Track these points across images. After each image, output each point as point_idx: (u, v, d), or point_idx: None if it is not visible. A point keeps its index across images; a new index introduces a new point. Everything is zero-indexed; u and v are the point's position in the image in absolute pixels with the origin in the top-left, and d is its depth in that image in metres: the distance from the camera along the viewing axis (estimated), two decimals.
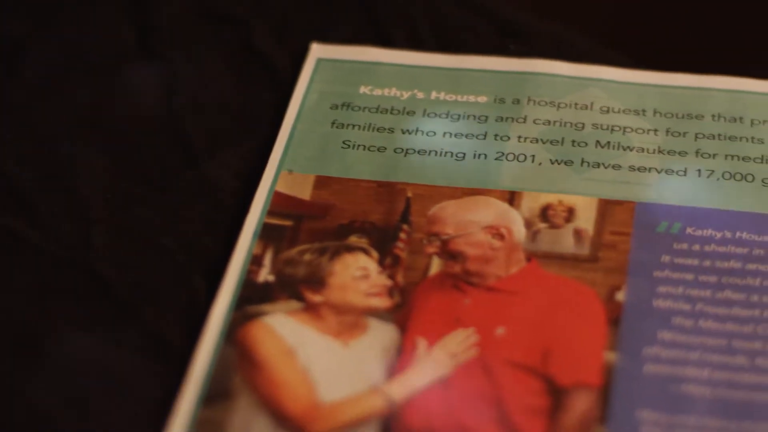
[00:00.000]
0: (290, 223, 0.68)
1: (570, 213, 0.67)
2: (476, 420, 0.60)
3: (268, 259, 0.66)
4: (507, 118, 0.72)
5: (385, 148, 0.71)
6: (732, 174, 0.68)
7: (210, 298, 0.64)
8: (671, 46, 0.80)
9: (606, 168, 0.69)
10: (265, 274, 0.65)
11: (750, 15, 0.83)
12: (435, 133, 0.71)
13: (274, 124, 0.72)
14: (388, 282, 0.65)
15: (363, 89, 0.74)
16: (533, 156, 0.70)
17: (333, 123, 0.72)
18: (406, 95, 0.73)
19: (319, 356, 0.62)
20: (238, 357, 0.62)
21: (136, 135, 0.73)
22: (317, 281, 0.64)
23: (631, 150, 0.70)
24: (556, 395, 0.61)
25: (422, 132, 0.71)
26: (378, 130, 0.72)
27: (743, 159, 0.69)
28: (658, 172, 0.68)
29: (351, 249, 0.66)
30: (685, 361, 0.61)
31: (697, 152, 0.69)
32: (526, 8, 0.80)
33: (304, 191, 0.69)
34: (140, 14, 0.79)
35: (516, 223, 0.66)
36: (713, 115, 0.71)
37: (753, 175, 0.68)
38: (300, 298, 0.64)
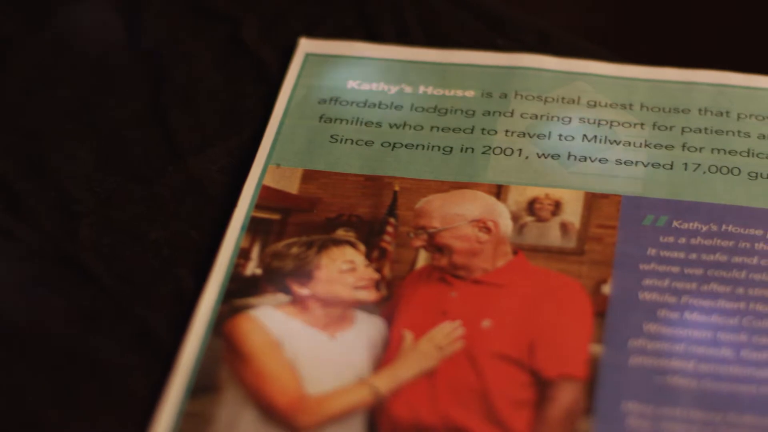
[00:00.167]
0: (278, 216, 0.68)
1: (556, 206, 0.67)
2: (462, 412, 0.60)
3: (255, 253, 0.66)
4: (494, 112, 0.72)
5: (373, 142, 0.71)
6: (718, 167, 0.68)
7: (197, 291, 0.64)
8: (658, 40, 0.80)
9: (593, 161, 0.69)
10: (252, 268, 0.65)
11: (737, 10, 0.83)
12: (422, 128, 0.71)
13: (262, 119, 0.72)
14: (375, 275, 0.65)
15: (351, 84, 0.74)
16: (520, 150, 0.70)
17: (321, 117, 0.72)
18: (393, 89, 0.73)
19: (306, 349, 0.62)
20: (226, 350, 0.62)
21: (123, 129, 0.73)
22: (304, 274, 0.65)
23: (617, 144, 0.70)
24: (542, 388, 0.61)
25: (410, 126, 0.71)
26: (366, 124, 0.72)
27: (729, 152, 0.69)
28: (645, 166, 0.69)
29: (338, 242, 0.66)
30: (670, 353, 0.61)
31: (683, 146, 0.70)
32: (513, 3, 0.80)
33: (291, 185, 0.69)
34: (128, 9, 0.79)
35: (503, 217, 0.67)
36: (700, 109, 0.71)
37: (739, 169, 0.68)
38: (287, 291, 0.64)
